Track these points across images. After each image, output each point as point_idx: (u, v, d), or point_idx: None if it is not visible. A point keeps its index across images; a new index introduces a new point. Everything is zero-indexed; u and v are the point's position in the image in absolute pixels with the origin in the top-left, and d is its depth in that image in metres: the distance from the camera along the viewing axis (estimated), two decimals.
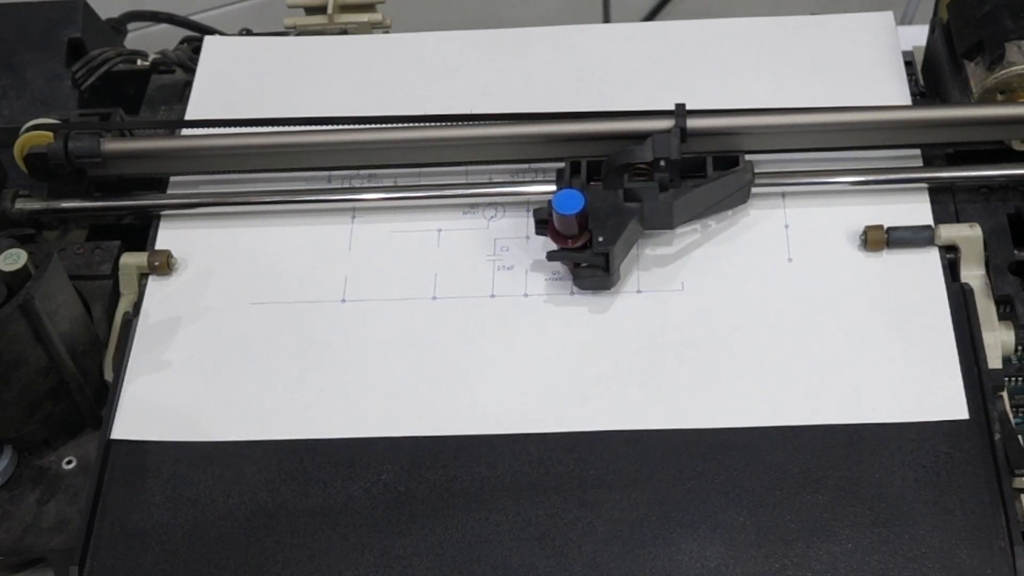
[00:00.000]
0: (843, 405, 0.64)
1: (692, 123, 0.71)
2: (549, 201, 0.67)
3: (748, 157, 0.71)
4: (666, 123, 0.71)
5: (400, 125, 0.74)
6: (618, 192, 0.69)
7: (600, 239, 0.67)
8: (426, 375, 0.67)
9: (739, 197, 0.72)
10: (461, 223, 0.73)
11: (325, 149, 0.74)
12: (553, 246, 0.69)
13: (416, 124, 0.74)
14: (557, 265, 0.70)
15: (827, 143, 0.73)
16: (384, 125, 0.75)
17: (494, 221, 0.73)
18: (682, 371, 0.66)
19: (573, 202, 0.67)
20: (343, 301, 0.71)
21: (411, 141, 0.74)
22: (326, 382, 0.68)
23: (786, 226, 0.71)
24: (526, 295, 0.70)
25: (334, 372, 0.68)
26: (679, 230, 0.71)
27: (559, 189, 0.69)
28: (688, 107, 0.71)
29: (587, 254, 0.68)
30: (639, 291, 0.69)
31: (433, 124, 0.74)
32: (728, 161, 0.71)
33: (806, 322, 0.67)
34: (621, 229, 0.68)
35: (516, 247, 0.72)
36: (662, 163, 0.69)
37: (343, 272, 0.72)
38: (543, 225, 0.69)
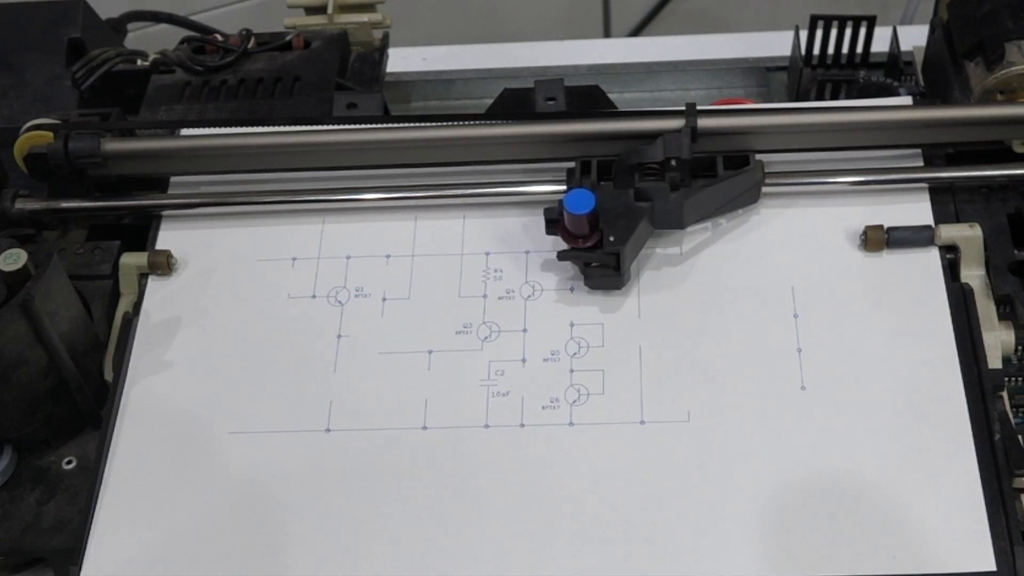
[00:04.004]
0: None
1: (703, 122, 0.71)
2: (560, 201, 0.67)
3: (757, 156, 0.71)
4: (677, 123, 0.71)
5: (408, 125, 0.74)
6: (629, 191, 0.68)
7: (611, 239, 0.67)
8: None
9: (749, 196, 0.71)
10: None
11: (329, 149, 0.74)
12: (564, 245, 0.68)
13: (426, 124, 0.74)
14: (554, 390, 0.67)
15: (836, 143, 0.73)
16: (391, 125, 0.75)
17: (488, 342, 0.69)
18: (687, 513, 0.62)
19: (585, 202, 0.66)
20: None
21: (420, 141, 0.74)
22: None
23: (799, 350, 0.66)
24: (522, 425, 0.66)
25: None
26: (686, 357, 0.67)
27: (569, 189, 0.69)
28: None
29: (598, 254, 0.68)
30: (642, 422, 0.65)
31: (444, 124, 0.74)
32: (739, 160, 0.71)
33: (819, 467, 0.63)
34: (632, 228, 0.67)
35: (512, 370, 0.68)
36: (673, 163, 0.68)
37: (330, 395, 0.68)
38: (553, 225, 0.69)
